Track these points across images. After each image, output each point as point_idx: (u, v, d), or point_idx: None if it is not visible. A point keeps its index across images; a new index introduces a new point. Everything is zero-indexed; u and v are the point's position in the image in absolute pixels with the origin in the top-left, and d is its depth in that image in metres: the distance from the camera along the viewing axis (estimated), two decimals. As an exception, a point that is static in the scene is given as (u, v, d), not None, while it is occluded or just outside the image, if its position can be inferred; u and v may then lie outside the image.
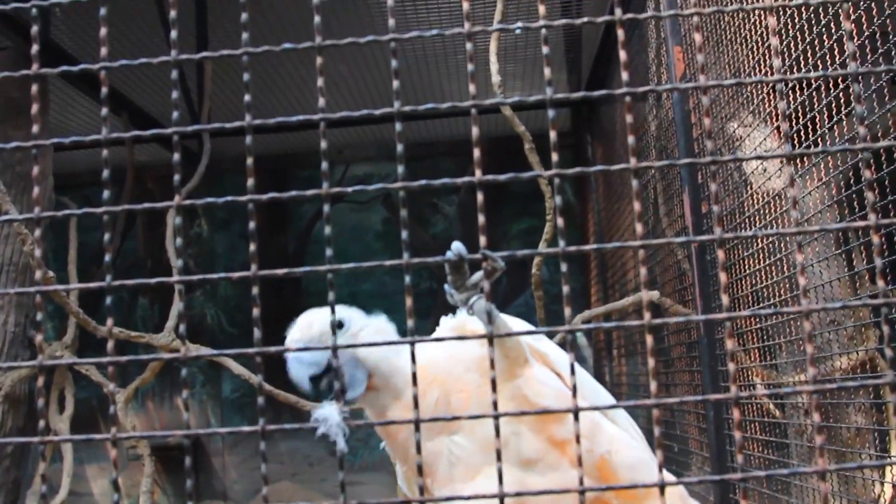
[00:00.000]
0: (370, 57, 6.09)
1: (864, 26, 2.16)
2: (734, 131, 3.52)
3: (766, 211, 3.17)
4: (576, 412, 0.71)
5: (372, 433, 6.64)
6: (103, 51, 0.80)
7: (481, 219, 0.73)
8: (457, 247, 1.39)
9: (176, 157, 0.78)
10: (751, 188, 3.33)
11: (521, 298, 7.98)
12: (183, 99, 6.35)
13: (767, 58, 3.04)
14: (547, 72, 0.75)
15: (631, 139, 0.73)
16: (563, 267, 0.72)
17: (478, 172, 0.74)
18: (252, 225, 0.77)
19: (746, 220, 3.31)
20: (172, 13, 0.78)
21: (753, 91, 3.28)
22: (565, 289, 0.71)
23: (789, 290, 3.10)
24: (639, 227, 0.72)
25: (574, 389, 0.82)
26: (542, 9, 0.75)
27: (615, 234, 6.03)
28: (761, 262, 3.20)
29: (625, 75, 0.75)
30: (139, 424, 7.32)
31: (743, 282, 3.40)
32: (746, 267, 3.37)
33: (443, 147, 8.12)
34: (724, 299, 0.73)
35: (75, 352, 5.12)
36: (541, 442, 1.74)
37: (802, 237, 0.69)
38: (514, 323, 1.88)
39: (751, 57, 3.21)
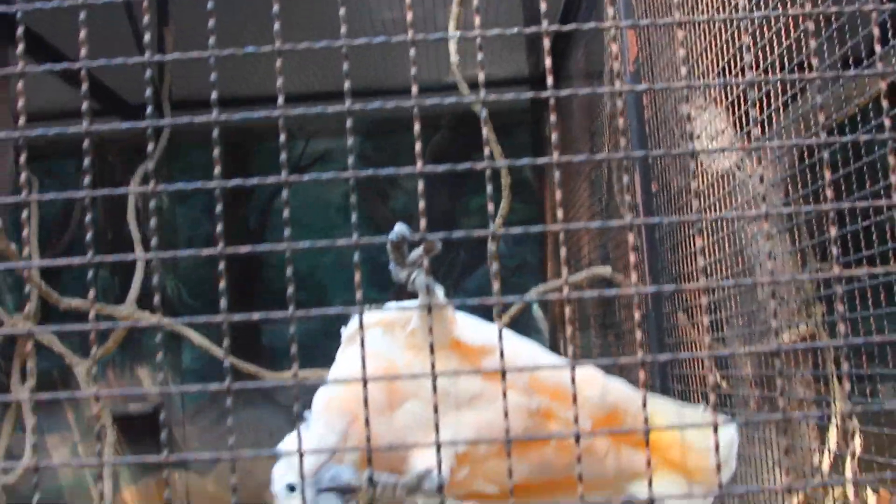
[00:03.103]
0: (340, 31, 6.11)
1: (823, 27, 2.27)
2: (686, 112, 3.64)
3: (713, 191, 3.30)
4: (505, 372, 0.81)
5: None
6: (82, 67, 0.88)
7: (422, 204, 0.83)
8: (399, 228, 1.49)
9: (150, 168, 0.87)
10: (700, 167, 3.46)
11: (480, 269, 8.11)
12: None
13: (716, 46, 3.15)
14: (480, 94, 0.84)
15: (554, 136, 0.83)
16: (492, 246, 0.82)
17: (419, 164, 0.84)
18: (220, 208, 0.86)
19: (691, 199, 3.43)
20: (147, 32, 0.86)
21: (702, 76, 3.40)
22: (494, 267, 0.82)
23: (736, 264, 3.23)
24: (559, 213, 0.82)
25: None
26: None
27: (572, 210, 6.16)
28: (706, 238, 3.33)
29: (550, 80, 0.85)
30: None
31: (692, 258, 3.53)
32: (694, 244, 3.49)
33: (407, 122, 8.14)
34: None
35: (37, 323, 5.14)
36: (476, 379, 1.78)
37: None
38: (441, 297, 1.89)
39: (703, 39, 3.32)
